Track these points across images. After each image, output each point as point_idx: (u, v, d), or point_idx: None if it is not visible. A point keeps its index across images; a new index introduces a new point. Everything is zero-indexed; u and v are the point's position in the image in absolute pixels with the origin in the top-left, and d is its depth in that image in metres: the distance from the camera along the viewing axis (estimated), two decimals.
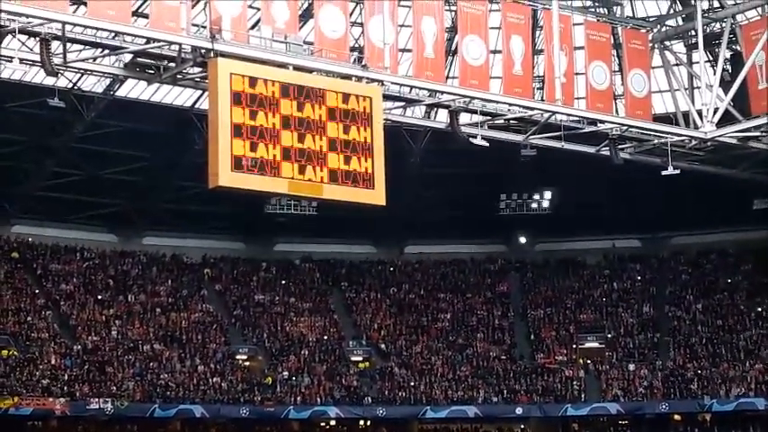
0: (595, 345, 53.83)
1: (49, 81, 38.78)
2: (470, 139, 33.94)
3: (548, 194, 55.03)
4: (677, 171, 35.96)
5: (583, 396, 50.49)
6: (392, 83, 31.53)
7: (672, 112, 38.81)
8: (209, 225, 57.16)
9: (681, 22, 38.54)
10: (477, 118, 34.57)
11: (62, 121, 46.14)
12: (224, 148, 26.03)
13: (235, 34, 27.53)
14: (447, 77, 38.02)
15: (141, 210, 55.08)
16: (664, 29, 38.01)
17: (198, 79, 29.81)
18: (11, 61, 27.66)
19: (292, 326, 54.37)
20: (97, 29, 27.46)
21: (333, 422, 50.17)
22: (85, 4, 27.04)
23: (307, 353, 52.52)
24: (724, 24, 36.04)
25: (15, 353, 46.66)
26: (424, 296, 57.82)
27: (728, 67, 36.87)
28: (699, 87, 35.96)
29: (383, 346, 53.95)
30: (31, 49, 28.25)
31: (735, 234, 56.66)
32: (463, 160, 48.30)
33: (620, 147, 36.07)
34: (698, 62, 35.94)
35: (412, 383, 51.09)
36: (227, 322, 53.87)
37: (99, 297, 52.02)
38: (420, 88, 32.94)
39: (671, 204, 52.83)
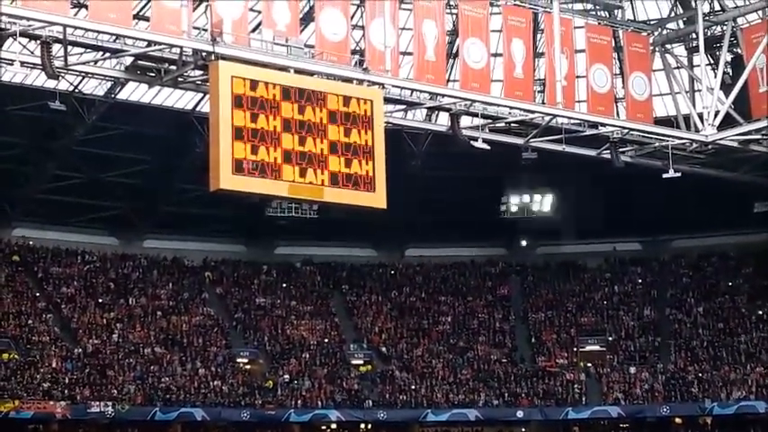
0: (596, 348, 53.80)
1: (51, 84, 38.76)
2: (471, 142, 33.98)
3: (549, 198, 54.96)
4: (678, 174, 36.01)
5: (584, 399, 50.45)
6: (393, 86, 31.57)
7: (673, 115, 38.84)
8: (210, 228, 57.14)
9: (682, 25, 38.59)
10: (477, 121, 34.62)
11: (63, 124, 46.13)
12: (225, 151, 26.06)
13: (236, 37, 27.57)
14: (448, 80, 38.03)
15: (142, 213, 55.07)
16: (665, 32, 38.06)
17: (199, 82, 29.85)
18: (12, 64, 27.73)
19: (293, 329, 54.34)
20: (98, 32, 27.51)
21: (334, 425, 50.09)
22: (86, 6, 27.09)
23: (307, 356, 52.49)
24: (725, 27, 36.09)
25: (16, 356, 46.65)
26: (424, 299, 57.79)
27: (729, 70, 36.93)
28: (700, 90, 35.99)
29: (384, 349, 53.92)
30: (32, 52, 28.30)
31: (736, 237, 56.63)
32: (464, 163, 48.26)
33: (621, 150, 36.11)
34: (699, 65, 35.97)
35: (413, 387, 51.07)
36: (227, 325, 53.84)
37: (100, 300, 51.99)
38: (421, 91, 32.97)
39: (672, 207, 52.77)
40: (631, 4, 45.42)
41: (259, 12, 31.71)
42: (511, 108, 33.98)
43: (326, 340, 54.03)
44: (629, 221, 56.16)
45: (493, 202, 55.37)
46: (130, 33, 27.60)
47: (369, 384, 51.46)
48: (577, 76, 34.91)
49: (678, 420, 49.60)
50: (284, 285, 57.67)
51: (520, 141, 36.36)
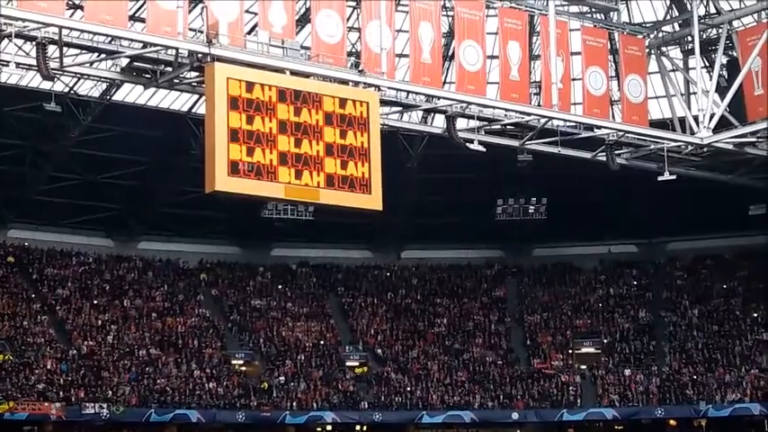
0: (591, 350, 53.83)
1: (46, 85, 38.77)
2: (467, 144, 34.03)
3: (544, 200, 54.98)
4: (673, 176, 36.08)
5: (579, 401, 50.46)
6: (389, 88, 31.62)
7: (668, 118, 38.97)
8: (206, 230, 57.08)
9: (677, 28, 38.65)
10: (473, 123, 34.73)
11: (58, 126, 46.07)
12: (220, 153, 26.08)
13: (232, 39, 27.58)
14: (444, 83, 38.05)
15: (137, 214, 54.99)
16: (660, 35, 38.14)
17: (195, 84, 29.87)
18: (7, 65, 27.71)
19: (288, 331, 54.30)
20: (94, 33, 27.51)
21: (329, 427, 50.00)
22: (82, 8, 27.09)
23: (303, 358, 52.45)
24: (720, 30, 36.18)
25: (11, 357, 46.53)
26: (420, 301, 57.78)
27: (725, 73, 37.02)
28: (695, 93, 36.14)
29: (379, 351, 53.90)
30: (28, 54, 28.28)
31: (731, 240, 56.67)
32: (460, 165, 48.30)
33: (616, 152, 36.19)
34: (694, 68, 36.10)
35: (408, 388, 51.04)
36: (223, 327, 53.78)
37: (95, 302, 51.89)
38: (417, 93, 33.01)
39: (667, 210, 52.84)
40: (627, 6, 45.46)
41: (255, 13, 31.74)
42: (507, 110, 34.07)
43: (322, 342, 53.99)
44: (624, 224, 56.22)
45: (489, 204, 55.37)
46: (126, 35, 27.63)
47: (364, 386, 51.44)
48: (573, 79, 35.01)
49: (673, 422, 49.60)
50: (280, 287, 57.64)
51: (516, 143, 36.43)
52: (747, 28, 37.10)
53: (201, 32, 27.78)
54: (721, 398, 48.57)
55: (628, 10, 45.69)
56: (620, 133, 35.48)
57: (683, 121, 36.14)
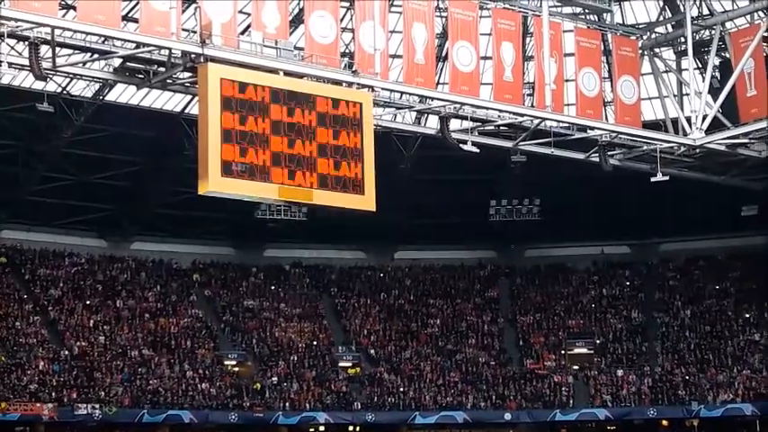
0: (584, 350, 53.90)
1: (39, 85, 38.62)
2: (460, 145, 34.04)
3: (537, 201, 55.01)
4: (666, 177, 36.11)
5: (571, 402, 50.54)
6: (382, 88, 31.59)
7: (661, 119, 38.99)
8: (199, 230, 57.01)
9: (670, 30, 38.68)
10: (467, 124, 34.73)
11: (51, 126, 45.96)
12: (213, 154, 26.06)
13: (225, 39, 27.56)
14: (437, 83, 38.07)
15: (130, 215, 54.91)
16: (653, 36, 38.19)
17: (188, 84, 29.84)
18: None
19: (281, 331, 54.28)
20: (86, 33, 27.46)
21: (322, 428, 50.02)
22: (75, 8, 27.03)
23: (296, 358, 52.44)
24: (713, 32, 36.22)
25: (3, 358, 46.47)
26: (413, 302, 57.79)
27: (717, 74, 37.06)
28: (688, 94, 36.15)
29: (372, 351, 53.90)
30: (20, 54, 28.21)
31: (723, 240, 56.79)
32: (453, 166, 48.31)
33: (609, 153, 36.21)
34: (687, 69, 36.15)
35: (401, 389, 51.07)
36: (216, 328, 53.75)
37: (87, 302, 51.82)
38: (410, 94, 33.01)
39: (660, 211, 52.93)
40: (620, 7, 45.50)
41: (248, 14, 31.69)
42: (500, 111, 34.08)
43: (315, 343, 53.98)
44: (617, 225, 56.27)
45: (482, 205, 55.38)
46: (119, 35, 27.58)
47: (357, 386, 51.44)
48: (566, 80, 34.98)
49: (665, 423, 49.73)
50: (273, 288, 57.62)
51: (509, 144, 36.44)
52: (740, 29, 37.15)
53: (195, 33, 27.75)
54: (713, 398, 48.70)
55: (621, 11, 45.73)
56: (613, 134, 35.52)
57: (675, 122, 36.18)
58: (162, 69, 28.77)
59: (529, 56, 37.51)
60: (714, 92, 36.04)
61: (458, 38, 32.21)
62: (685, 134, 35.06)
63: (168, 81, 29.62)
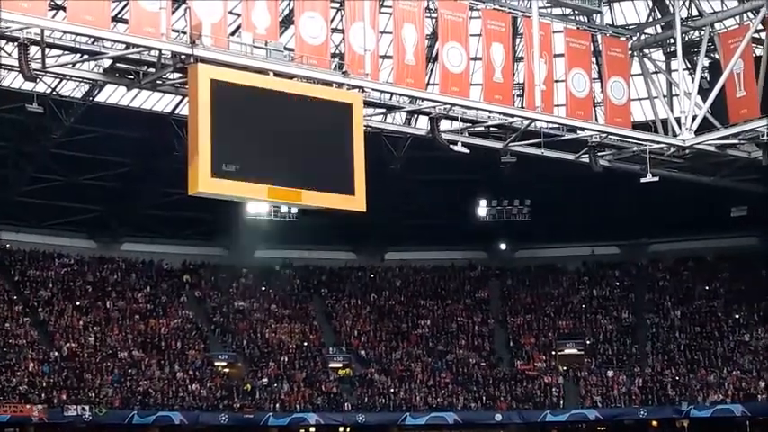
0: (574, 351, 54.00)
1: (28, 86, 38.53)
2: (451, 145, 34.02)
3: (527, 202, 55.06)
4: (656, 178, 36.15)
5: (562, 402, 50.62)
6: (373, 89, 31.55)
7: (651, 120, 39.03)
8: (189, 231, 56.97)
9: (660, 31, 38.72)
10: (457, 125, 34.70)
11: (41, 127, 45.88)
12: (203, 154, 25.97)
13: (215, 40, 27.49)
14: (427, 84, 38.07)
15: (120, 215, 54.85)
16: (643, 37, 38.21)
17: (178, 85, 29.77)
18: None
19: (272, 332, 54.25)
20: (76, 34, 27.36)
21: (312, 429, 50.00)
22: (64, 8, 26.95)
23: (286, 359, 52.42)
24: (703, 33, 36.26)
25: None
26: (404, 302, 57.82)
27: (707, 75, 37.09)
28: (677, 95, 36.19)
29: (363, 352, 53.91)
30: (10, 54, 28.09)
31: (712, 241, 56.93)
32: (443, 167, 48.34)
33: (599, 154, 36.22)
34: (677, 70, 36.18)
35: (392, 390, 51.08)
36: (206, 329, 53.70)
37: (77, 303, 51.74)
38: (400, 95, 32.98)
39: (649, 211, 53.07)
40: (610, 8, 45.59)
41: (238, 15, 31.63)
42: (490, 112, 34.05)
43: (305, 343, 53.97)
44: (607, 225, 56.36)
45: (472, 206, 55.44)
46: (108, 36, 27.48)
47: (347, 387, 51.43)
48: (556, 81, 34.99)
49: (655, 423, 49.85)
50: (263, 289, 57.59)
51: (499, 145, 36.43)
52: (729, 30, 37.23)
53: (184, 33, 27.66)
54: (703, 399, 48.79)
55: (611, 12, 45.83)
56: (603, 135, 35.54)
57: (665, 122, 36.20)
58: (152, 70, 28.70)
59: (519, 57, 37.53)
60: (703, 93, 36.07)
61: (448, 39, 32.20)
62: (675, 135, 35.10)
63: (158, 82, 29.54)
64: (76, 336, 49.75)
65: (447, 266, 60.50)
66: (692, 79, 36.10)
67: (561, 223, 55.27)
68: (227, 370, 51.45)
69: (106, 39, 27.81)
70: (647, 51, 38.24)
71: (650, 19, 41.47)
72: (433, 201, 55.02)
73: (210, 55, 27.01)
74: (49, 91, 43.78)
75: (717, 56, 36.73)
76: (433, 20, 37.32)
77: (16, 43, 26.73)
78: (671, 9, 36.85)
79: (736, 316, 53.93)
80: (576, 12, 38.31)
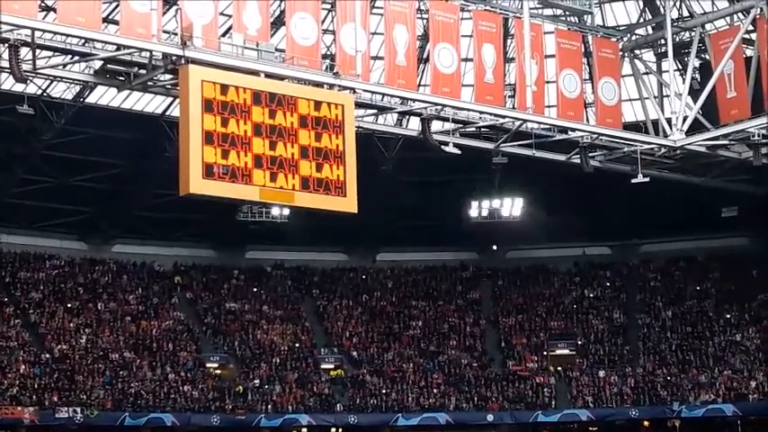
0: (566, 351, 54.04)
1: (19, 88, 38.42)
2: (442, 146, 34.04)
3: (519, 202, 55.12)
4: (647, 179, 36.21)
5: (553, 403, 50.66)
6: (364, 90, 31.59)
7: (642, 121, 39.12)
8: (180, 232, 56.90)
9: (651, 31, 38.82)
10: (448, 126, 34.70)
11: (31, 128, 45.75)
12: (195, 156, 25.95)
13: (206, 41, 27.48)
14: (419, 85, 38.09)
15: (111, 217, 54.73)
16: (634, 37, 38.33)
17: (169, 86, 29.74)
18: None
19: (263, 334, 54.20)
20: (67, 35, 27.30)
21: (304, 430, 49.98)
22: (55, 10, 26.91)
23: (278, 361, 52.37)
24: (693, 33, 36.37)
25: None
26: (395, 303, 57.82)
27: (697, 76, 37.22)
28: (668, 96, 36.27)
29: (355, 353, 53.89)
30: (0, 56, 28.02)
31: (703, 242, 57.09)
32: (435, 168, 48.36)
33: (590, 154, 36.28)
34: (667, 71, 36.26)
35: (384, 391, 51.07)
36: (197, 330, 53.63)
37: (68, 305, 51.63)
38: (392, 96, 32.98)
39: (640, 212, 53.14)
40: (601, 9, 45.65)
41: (229, 16, 31.63)
42: (481, 113, 34.09)
43: (297, 345, 53.94)
44: (598, 226, 56.45)
45: (464, 207, 55.46)
46: (99, 37, 27.46)
47: (339, 389, 51.42)
48: (547, 81, 35.06)
49: (646, 423, 49.93)
50: (255, 290, 57.53)
51: (490, 146, 36.46)
52: (720, 31, 37.35)
53: (175, 35, 27.66)
54: (695, 399, 48.87)
55: (601, 13, 45.88)
56: (594, 136, 35.59)
57: (656, 123, 36.28)
58: (143, 71, 28.67)
59: (510, 57, 37.57)
60: (694, 93, 36.18)
61: (439, 39, 32.24)
62: (666, 135, 35.17)
63: (149, 83, 29.52)
64: (68, 338, 49.65)
65: (438, 267, 60.53)
66: (683, 80, 36.22)
67: (552, 224, 55.28)
68: (218, 371, 51.41)
69: (97, 40, 27.79)
70: (637, 52, 38.34)
71: (641, 20, 41.58)
72: (425, 202, 55.02)
73: (201, 56, 27.00)
74: (39, 92, 43.65)
75: (707, 56, 36.84)
76: (425, 21, 37.35)
77: (7, 44, 26.66)
78: (661, 10, 36.93)
79: (728, 316, 54.05)
80: (567, 13, 38.36)
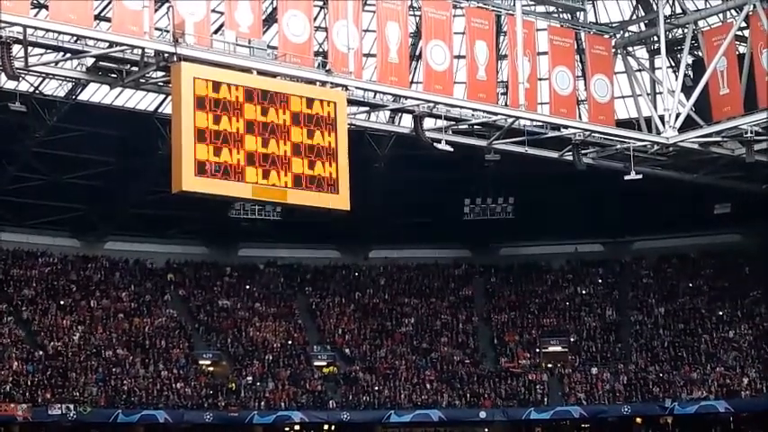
0: (559, 348, 54.02)
1: (11, 85, 38.37)
2: (434, 143, 34.08)
3: (511, 199, 55.16)
4: (639, 176, 36.28)
5: (546, 400, 50.65)
6: (356, 87, 31.61)
7: (634, 118, 39.18)
8: (173, 230, 56.82)
9: (643, 28, 38.91)
10: (441, 123, 34.79)
11: (23, 126, 45.67)
12: (187, 153, 25.97)
13: (198, 38, 27.47)
14: (411, 82, 38.06)
15: (104, 214, 54.63)
16: (626, 34, 38.40)
17: (161, 83, 29.73)
18: None
19: (256, 331, 54.15)
20: (59, 32, 27.29)
21: (297, 427, 50.00)
22: (47, 7, 26.88)
23: (271, 358, 52.33)
24: (686, 30, 36.45)
25: None
26: (388, 301, 57.78)
27: (690, 73, 37.28)
28: (661, 93, 36.31)
29: (347, 350, 53.87)
30: None
31: (696, 239, 57.15)
32: (427, 165, 48.33)
33: (583, 152, 36.35)
34: (660, 68, 36.30)
35: (376, 388, 51.04)
36: (190, 327, 53.56)
37: (61, 302, 51.53)
38: (384, 93, 33.02)
39: (633, 209, 53.17)
40: (593, 6, 45.70)
41: (222, 13, 31.62)
42: (474, 110, 34.14)
43: (290, 342, 53.90)
44: (590, 223, 56.46)
45: (456, 204, 55.49)
46: (91, 34, 27.44)
47: (332, 385, 51.40)
48: (540, 78, 35.12)
49: (639, 420, 49.95)
50: (247, 287, 57.48)
51: (483, 143, 36.52)
52: (713, 28, 37.41)
53: (168, 32, 27.69)
54: (687, 395, 48.93)
55: (594, 10, 45.93)
56: (587, 133, 35.65)
57: (649, 120, 36.37)
58: (135, 69, 28.66)
59: (502, 54, 37.67)
60: (687, 90, 36.26)
61: (431, 37, 32.27)
62: (658, 133, 35.25)
63: (141, 80, 29.51)
64: (61, 335, 49.56)
65: (431, 264, 60.50)
66: (676, 77, 36.34)
67: (545, 221, 55.31)
68: (211, 368, 51.35)
69: (89, 37, 27.76)
70: (630, 49, 38.40)
71: (634, 17, 41.67)
72: (417, 199, 54.97)
73: (194, 53, 27.00)
74: (31, 90, 43.59)
75: (700, 53, 36.92)
76: (417, 18, 37.40)
77: None
78: (654, 7, 37.04)
79: (720, 313, 54.11)
80: (560, 9, 38.43)
